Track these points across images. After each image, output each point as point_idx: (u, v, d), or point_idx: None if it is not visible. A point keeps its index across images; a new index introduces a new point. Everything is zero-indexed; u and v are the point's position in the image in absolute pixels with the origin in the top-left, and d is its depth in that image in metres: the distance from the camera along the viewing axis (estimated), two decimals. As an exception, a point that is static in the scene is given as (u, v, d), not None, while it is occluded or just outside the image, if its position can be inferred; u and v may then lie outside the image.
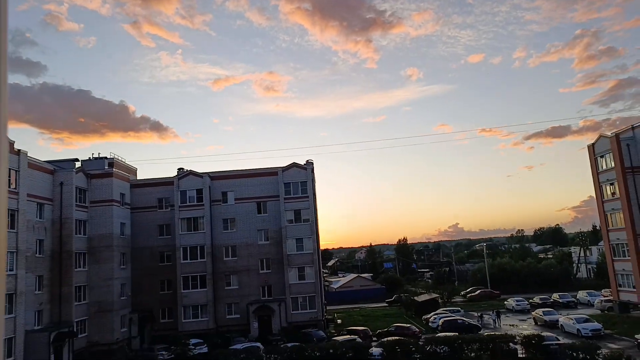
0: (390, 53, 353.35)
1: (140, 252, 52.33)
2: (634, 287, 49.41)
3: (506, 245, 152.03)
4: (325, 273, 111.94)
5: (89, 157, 52.38)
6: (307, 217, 53.19)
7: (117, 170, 51.68)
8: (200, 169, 62.71)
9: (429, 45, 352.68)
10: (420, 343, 36.09)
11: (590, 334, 40.25)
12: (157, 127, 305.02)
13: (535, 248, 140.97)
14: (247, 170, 55.51)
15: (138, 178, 58.08)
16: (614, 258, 52.48)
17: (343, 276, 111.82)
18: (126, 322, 48.09)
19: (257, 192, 54.06)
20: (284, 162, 54.93)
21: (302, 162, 54.83)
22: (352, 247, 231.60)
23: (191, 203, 52.78)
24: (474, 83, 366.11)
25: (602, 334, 40.97)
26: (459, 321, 47.24)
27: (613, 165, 51.52)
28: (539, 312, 51.11)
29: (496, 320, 51.98)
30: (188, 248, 51.78)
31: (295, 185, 53.66)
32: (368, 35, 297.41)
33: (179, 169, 54.85)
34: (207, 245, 51.95)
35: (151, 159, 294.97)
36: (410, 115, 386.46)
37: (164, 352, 41.01)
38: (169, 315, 51.79)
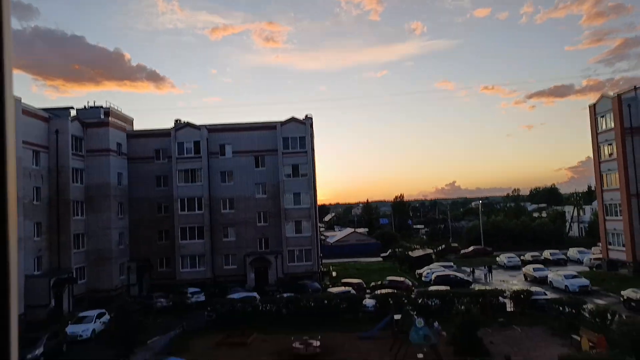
0: (395, 5, 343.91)
1: (137, 203, 52.67)
2: (623, 245, 50.32)
3: (501, 204, 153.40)
4: (322, 227, 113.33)
5: (84, 106, 51.77)
6: (305, 172, 53.30)
7: (113, 119, 51.24)
8: (197, 120, 62.19)
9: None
10: (413, 296, 36.96)
11: (577, 290, 41.30)
12: (153, 77, 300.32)
13: (530, 207, 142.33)
14: (245, 123, 55.14)
15: (135, 129, 57.70)
16: (606, 217, 53.17)
17: (339, 231, 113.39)
18: (124, 270, 49.02)
19: (255, 145, 53.89)
20: (281, 115, 54.46)
21: (301, 117, 54.44)
22: (348, 203, 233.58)
23: (188, 155, 52.69)
24: (479, 39, 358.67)
25: (590, 290, 42.05)
26: (451, 276, 48.29)
27: (613, 125, 51.32)
28: (529, 268, 52.21)
29: (487, 275, 53.21)
30: (185, 200, 52.12)
31: (293, 140, 53.47)
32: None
33: (176, 121, 54.43)
34: (204, 197, 52.26)
35: (148, 109, 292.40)
36: (412, 71, 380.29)
37: (162, 300, 41.98)
38: (166, 264, 52.72)
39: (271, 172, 53.51)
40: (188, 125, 53.13)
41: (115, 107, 55.11)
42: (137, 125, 60.34)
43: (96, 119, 49.34)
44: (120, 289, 46.91)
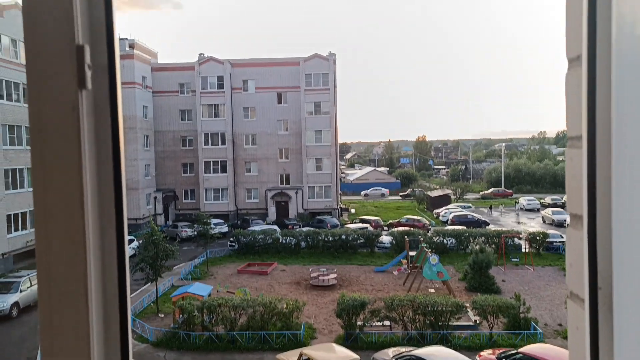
0: None
1: (162, 136, 53.88)
2: None
3: (525, 146, 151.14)
4: (342, 165, 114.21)
5: (109, 38, 51.68)
6: (327, 110, 53.20)
7: (138, 52, 51.31)
8: (221, 53, 61.70)
9: None
10: (429, 234, 37.83)
11: (594, 235, 41.59)
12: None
13: (555, 150, 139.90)
14: (268, 59, 54.62)
15: (158, 61, 57.71)
16: None
17: (359, 169, 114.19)
18: (151, 201, 51.00)
19: (278, 82, 53.64)
20: (304, 52, 53.66)
21: (325, 53, 53.59)
22: (370, 142, 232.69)
23: (212, 89, 52.92)
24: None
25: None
26: (468, 216, 48.92)
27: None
28: (547, 211, 52.40)
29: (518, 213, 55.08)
30: (209, 134, 52.97)
31: (316, 77, 53.00)
32: None
33: (200, 54, 54.21)
34: (227, 132, 52.99)
35: (170, 40, 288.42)
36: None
37: (187, 229, 43.92)
38: (191, 196, 54.56)
39: (293, 109, 53.57)
40: (211, 59, 52.93)
41: (140, 41, 54.93)
42: (161, 58, 60.29)
43: (121, 51, 49.43)
44: (148, 218, 49.00)
